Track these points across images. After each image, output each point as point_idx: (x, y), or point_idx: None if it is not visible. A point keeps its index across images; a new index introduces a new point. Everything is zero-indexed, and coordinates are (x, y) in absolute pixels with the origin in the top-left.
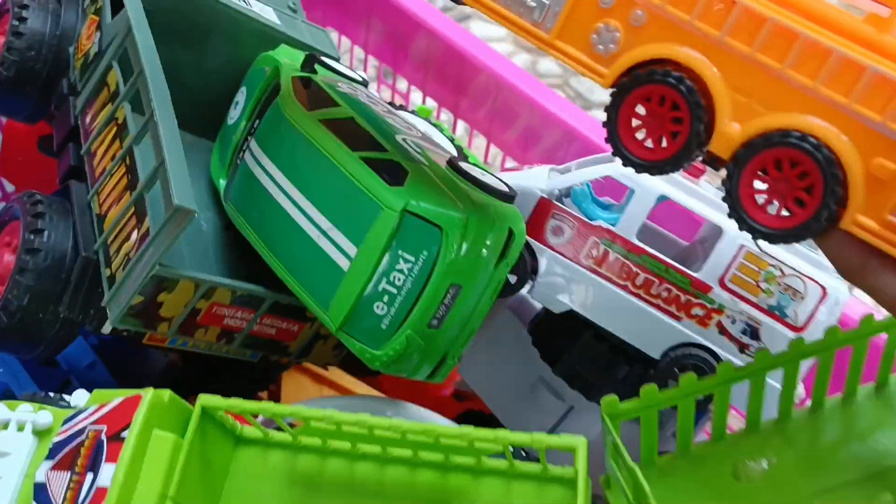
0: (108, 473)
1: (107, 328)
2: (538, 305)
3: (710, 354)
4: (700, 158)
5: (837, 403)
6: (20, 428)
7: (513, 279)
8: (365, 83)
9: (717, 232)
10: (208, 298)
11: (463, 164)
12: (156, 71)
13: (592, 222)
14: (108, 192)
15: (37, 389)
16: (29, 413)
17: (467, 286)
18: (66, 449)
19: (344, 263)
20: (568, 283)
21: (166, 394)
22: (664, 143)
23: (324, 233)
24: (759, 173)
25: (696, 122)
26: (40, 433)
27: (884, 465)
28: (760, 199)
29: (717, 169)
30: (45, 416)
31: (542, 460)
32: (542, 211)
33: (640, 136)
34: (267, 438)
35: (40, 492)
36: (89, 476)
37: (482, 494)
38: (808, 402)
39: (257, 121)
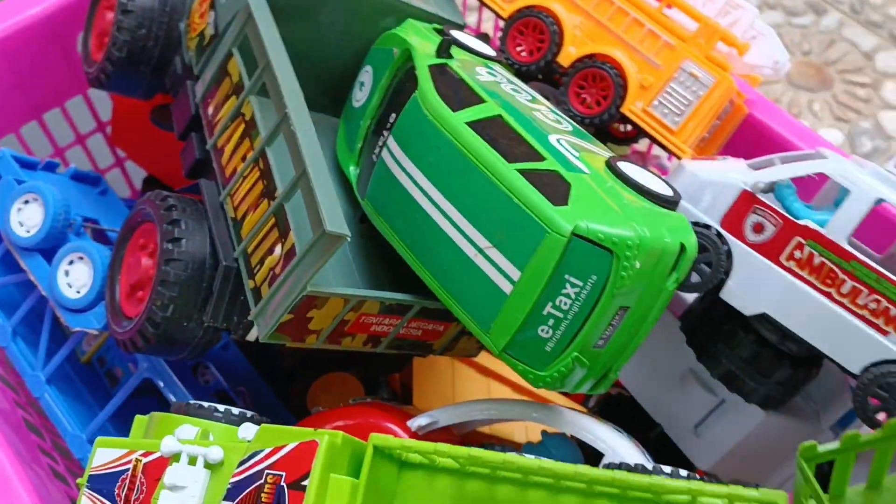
0: None
1: (252, 336)
2: (690, 298)
3: None
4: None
5: None
6: (191, 461)
7: (695, 278)
8: (498, 60)
9: None
10: (357, 310)
11: (623, 166)
12: (285, 67)
13: (799, 221)
14: (242, 195)
15: (182, 387)
16: (200, 449)
17: (637, 306)
18: (245, 492)
19: (506, 287)
20: (765, 285)
21: (339, 436)
22: (533, 55)
23: (481, 251)
24: (582, 81)
25: (553, 43)
26: (212, 467)
27: None
28: (583, 96)
29: (555, 85)
30: (216, 451)
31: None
32: (744, 205)
33: (519, 49)
34: (433, 464)
35: None
36: None
37: None
38: None
39: (393, 114)
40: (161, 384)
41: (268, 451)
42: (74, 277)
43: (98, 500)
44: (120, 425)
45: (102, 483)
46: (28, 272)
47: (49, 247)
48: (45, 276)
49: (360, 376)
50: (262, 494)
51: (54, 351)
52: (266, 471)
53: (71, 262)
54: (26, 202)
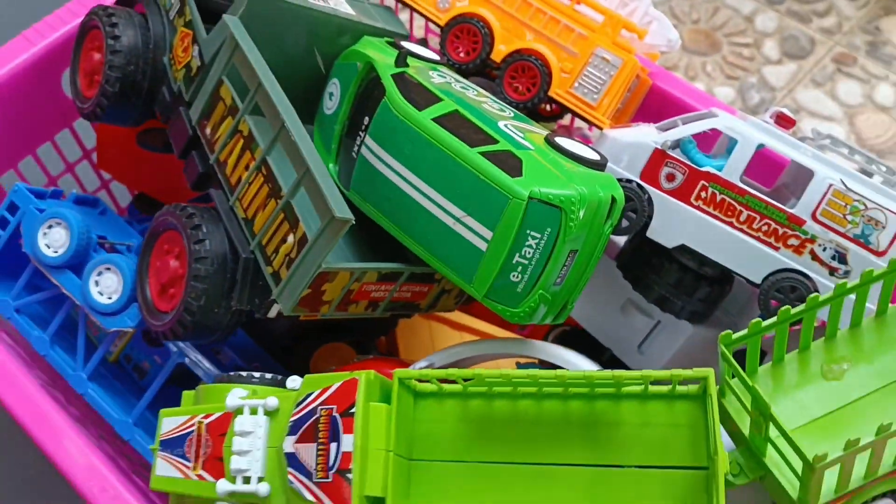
0: (348, 441)
1: (273, 313)
2: (621, 241)
3: (805, 277)
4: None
5: (872, 320)
6: (253, 411)
7: (625, 223)
8: (442, 63)
9: (805, 174)
10: (360, 281)
11: (559, 140)
12: (274, 86)
13: (701, 168)
14: (249, 198)
15: (211, 366)
16: (259, 401)
17: (583, 248)
18: (305, 426)
19: (481, 245)
20: (680, 222)
21: (372, 374)
22: (469, 54)
23: (458, 220)
24: (513, 73)
25: (485, 44)
26: (270, 413)
27: None
28: (515, 85)
29: (489, 78)
30: (272, 401)
31: (674, 383)
32: (657, 160)
33: (458, 50)
34: (441, 391)
35: (292, 459)
36: (333, 445)
37: (623, 414)
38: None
39: (366, 117)
40: (192, 365)
41: (317, 392)
42: (105, 286)
43: (171, 459)
44: (154, 411)
45: (172, 446)
46: (60, 287)
47: (75, 263)
48: (76, 289)
49: (352, 343)
50: (320, 425)
51: (88, 353)
52: (319, 407)
53: (100, 273)
54: (50, 227)
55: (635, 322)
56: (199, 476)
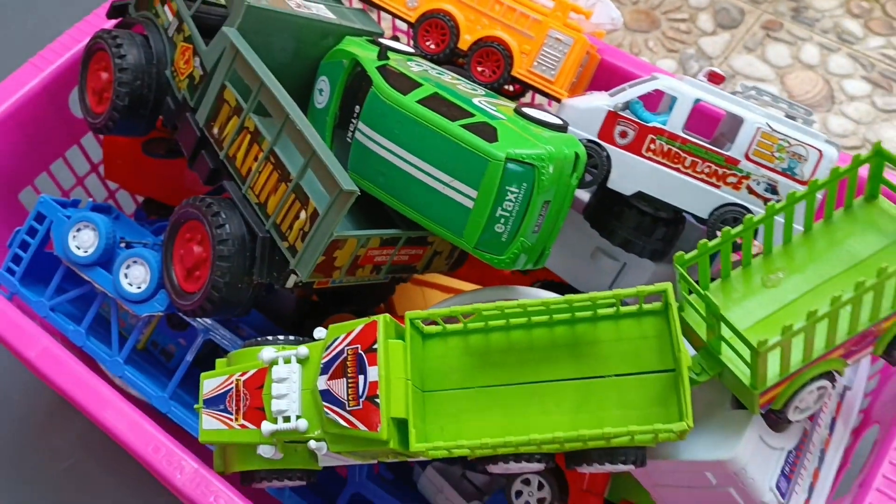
0: (374, 372)
1: (290, 283)
2: (586, 197)
3: (744, 209)
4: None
5: (821, 226)
6: (287, 361)
7: (588, 177)
8: (417, 54)
9: (737, 121)
10: (365, 246)
11: (526, 110)
12: (275, 84)
13: (648, 124)
14: (261, 185)
15: (235, 337)
16: (291, 351)
17: (555, 199)
18: (335, 365)
19: (468, 203)
20: (635, 172)
21: (387, 317)
22: (439, 46)
23: (446, 185)
24: (479, 59)
25: (453, 35)
26: (301, 361)
27: (857, 259)
28: (481, 69)
29: (457, 65)
30: (303, 350)
31: (641, 301)
32: (611, 121)
33: (428, 43)
34: (445, 330)
35: (326, 395)
36: (361, 377)
37: (600, 333)
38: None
39: (357, 106)
40: (219, 339)
41: (342, 336)
42: (133, 277)
43: (215, 414)
44: (184, 388)
45: (215, 403)
46: (93, 283)
47: (104, 260)
48: (108, 282)
49: (354, 313)
50: (348, 362)
51: (121, 342)
52: (345, 348)
53: (128, 267)
54: (79, 230)
55: (604, 266)
56: (242, 425)
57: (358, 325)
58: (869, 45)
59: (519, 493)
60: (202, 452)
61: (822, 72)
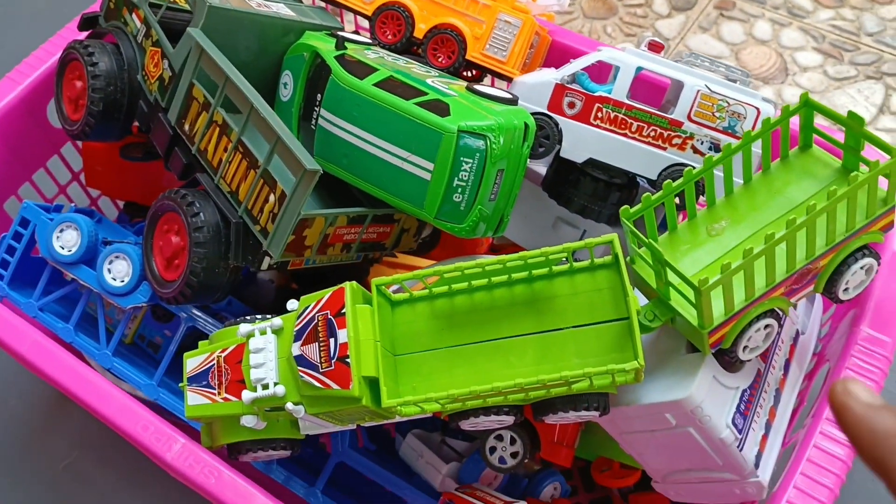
0: (343, 334)
1: (265, 265)
2: (543, 170)
3: (691, 168)
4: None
5: (760, 177)
6: (262, 333)
7: (541, 148)
8: (374, 44)
9: (679, 85)
10: (333, 224)
11: (477, 87)
12: (239, 77)
13: (594, 94)
14: (231, 174)
15: (216, 322)
16: (266, 323)
17: (508, 168)
18: (307, 331)
19: (426, 176)
20: (585, 140)
21: (355, 284)
22: (396, 36)
23: (404, 160)
24: (434, 46)
25: (408, 25)
26: (276, 332)
27: (794, 204)
28: (438, 56)
29: (416, 53)
30: (277, 321)
31: (592, 255)
32: (559, 93)
33: (386, 34)
34: (412, 296)
35: (300, 359)
36: (331, 340)
37: (556, 289)
38: (741, 181)
39: (318, 94)
40: (202, 325)
41: (311, 304)
42: (116, 271)
43: (198, 390)
44: (170, 377)
45: (198, 379)
46: (78, 280)
47: (88, 258)
48: (92, 278)
49: None
50: (318, 327)
51: (108, 336)
52: (316, 314)
53: (111, 262)
54: (62, 230)
55: (565, 234)
56: (225, 398)
57: (327, 293)
58: (819, 17)
59: (493, 450)
60: (193, 436)
61: (774, 46)
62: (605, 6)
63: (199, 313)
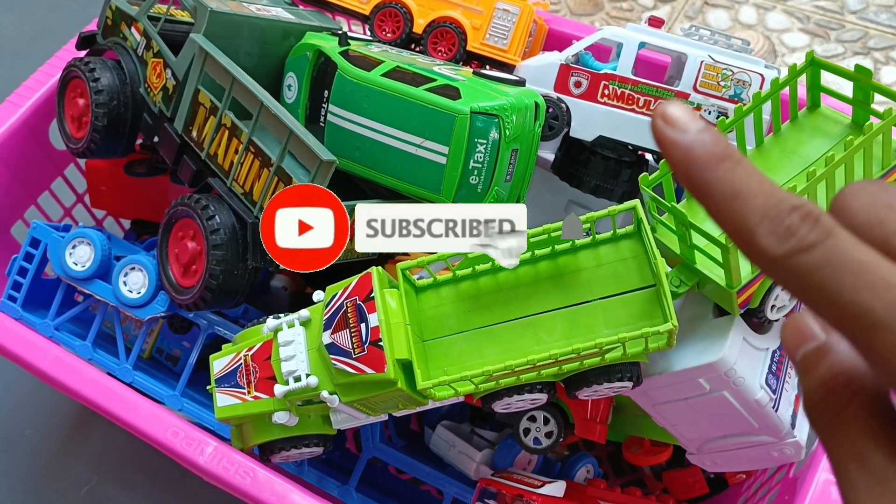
0: (374, 318)
1: None
2: (551, 157)
3: None
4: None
5: (771, 139)
6: (290, 325)
7: (549, 131)
8: (374, 41)
9: (682, 59)
10: (351, 217)
11: (484, 71)
12: (246, 77)
13: (599, 72)
14: (244, 175)
15: (236, 326)
16: (293, 316)
17: (522, 148)
18: (336, 319)
19: (441, 160)
20: (593, 118)
21: (380, 269)
22: (395, 32)
23: (419, 146)
24: (434, 39)
25: (407, 21)
26: (304, 323)
27: (809, 161)
28: (438, 49)
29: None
30: (304, 312)
31: (614, 226)
32: (565, 74)
33: (385, 31)
34: (436, 280)
35: (332, 347)
36: (362, 325)
37: (580, 261)
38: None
39: (325, 91)
40: (221, 331)
41: (339, 292)
42: (132, 283)
43: (227, 391)
44: (191, 387)
45: (226, 380)
46: (94, 295)
47: (102, 273)
48: (108, 292)
49: None
50: (348, 314)
51: (126, 352)
52: (344, 301)
53: (126, 274)
54: (74, 246)
55: (579, 215)
56: (255, 397)
57: (354, 280)
58: None
59: (527, 431)
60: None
61: (761, 29)
62: (591, 3)
63: (217, 319)
